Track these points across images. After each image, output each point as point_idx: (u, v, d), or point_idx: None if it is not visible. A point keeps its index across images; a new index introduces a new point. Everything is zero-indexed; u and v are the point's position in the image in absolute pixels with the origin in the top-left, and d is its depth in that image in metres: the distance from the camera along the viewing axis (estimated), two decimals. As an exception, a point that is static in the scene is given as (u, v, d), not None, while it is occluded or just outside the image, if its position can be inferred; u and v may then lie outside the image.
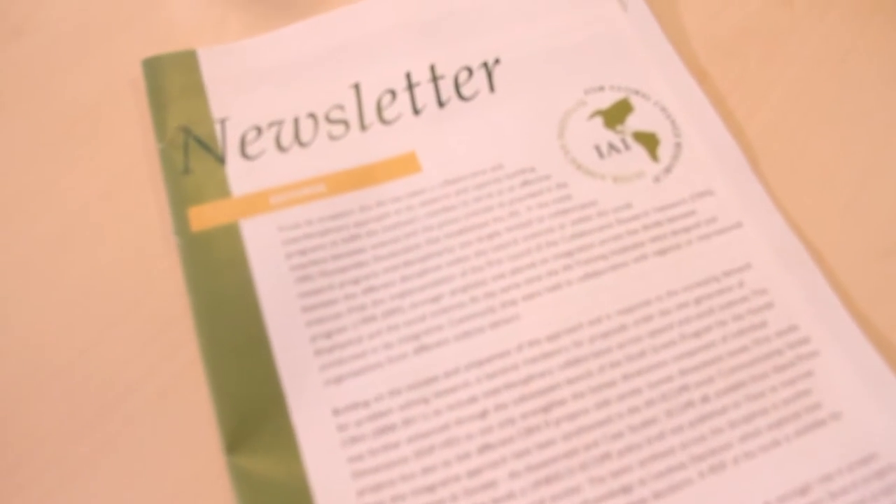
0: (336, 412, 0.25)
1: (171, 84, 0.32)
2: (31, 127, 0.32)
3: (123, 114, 0.32)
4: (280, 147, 0.30)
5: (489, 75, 0.32)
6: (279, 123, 0.31)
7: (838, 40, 0.35)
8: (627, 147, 0.30)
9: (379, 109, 0.31)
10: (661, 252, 0.28)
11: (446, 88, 0.32)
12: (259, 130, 0.31)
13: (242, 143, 0.30)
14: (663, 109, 0.31)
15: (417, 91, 0.31)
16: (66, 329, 0.27)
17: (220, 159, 0.30)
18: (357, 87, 0.32)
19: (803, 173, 0.31)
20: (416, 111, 0.31)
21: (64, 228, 0.29)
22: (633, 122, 0.31)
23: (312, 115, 0.31)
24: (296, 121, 0.31)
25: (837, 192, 0.30)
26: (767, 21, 0.35)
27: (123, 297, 0.28)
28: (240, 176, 0.30)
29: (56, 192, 0.30)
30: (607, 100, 0.31)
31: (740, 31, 0.35)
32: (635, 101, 0.31)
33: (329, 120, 0.31)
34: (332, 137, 0.30)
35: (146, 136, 0.32)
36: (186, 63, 0.32)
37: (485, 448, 0.24)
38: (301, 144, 0.30)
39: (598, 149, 0.30)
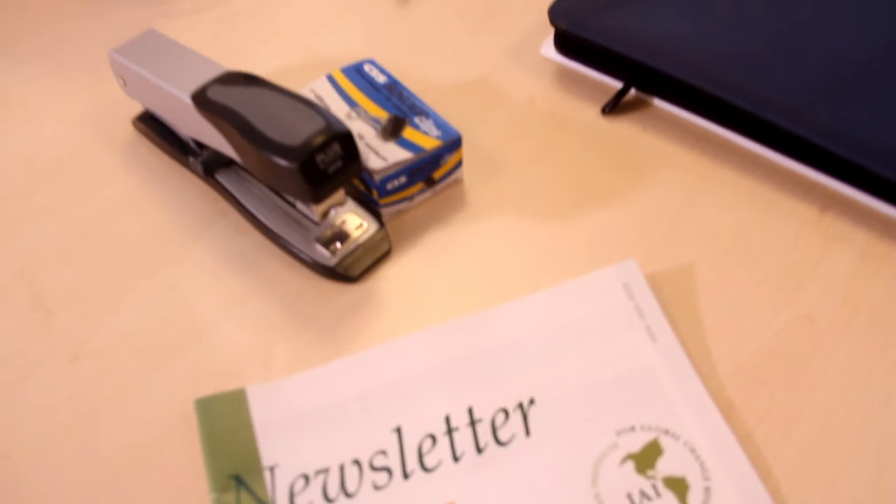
0: None
1: (223, 426, 0.36)
2: (83, 471, 0.36)
3: (175, 453, 0.36)
4: (327, 498, 0.34)
5: (525, 417, 0.36)
6: (325, 471, 0.35)
7: (863, 354, 0.38)
8: (658, 494, 0.34)
9: (420, 456, 0.35)
10: None
11: (484, 433, 0.35)
12: (307, 479, 0.34)
13: (291, 494, 0.34)
14: (692, 450, 0.35)
15: (456, 436, 0.35)
16: None
17: (271, 513, 0.34)
18: (399, 430, 0.36)
19: (833, 519, 0.34)
20: (455, 458, 0.35)
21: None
22: (664, 467, 0.34)
23: (357, 462, 0.35)
24: (341, 468, 0.35)
25: (868, 542, 0.33)
26: (792, 340, 0.39)
27: None
28: (289, 533, 0.33)
29: (115, 546, 0.34)
30: (638, 441, 0.35)
31: (766, 353, 0.39)
32: (665, 442, 0.35)
33: (373, 468, 0.35)
34: (376, 487, 0.34)
35: (198, 478, 0.36)
36: (236, 403, 0.37)
37: None
38: (347, 495, 0.34)
39: (630, 497, 0.34)
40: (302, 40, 0.56)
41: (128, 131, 0.51)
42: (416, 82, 0.52)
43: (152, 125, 0.50)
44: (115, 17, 0.60)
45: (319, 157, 0.37)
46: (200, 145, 0.46)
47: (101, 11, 0.61)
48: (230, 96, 0.40)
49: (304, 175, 0.36)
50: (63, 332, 0.41)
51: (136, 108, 0.52)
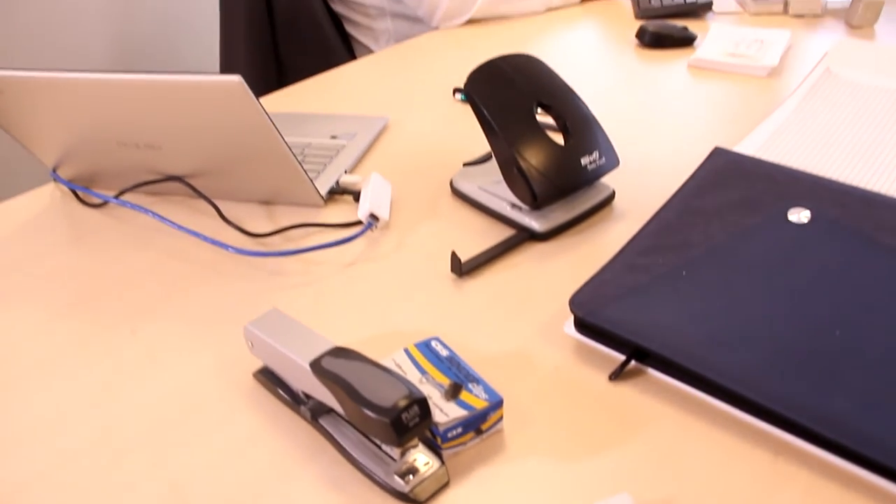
0: None
1: None
2: None
3: None
4: None
5: None
6: None
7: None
8: None
9: None
10: None
11: None
12: None
13: None
14: None
15: None
16: None
17: None
18: None
19: None
20: None
21: None
22: None
23: None
24: None
25: None
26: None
27: None
28: None
29: None
30: None
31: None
32: None
33: None
34: None
35: None
36: None
37: None
38: None
39: None
40: (380, 314, 0.74)
41: (249, 380, 0.68)
42: (468, 351, 0.69)
43: (270, 378, 0.67)
44: (238, 289, 0.79)
45: (404, 416, 0.53)
46: (308, 396, 0.63)
47: (226, 283, 0.80)
48: (338, 366, 0.58)
49: (393, 428, 0.53)
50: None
51: (256, 363, 0.69)
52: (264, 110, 0.77)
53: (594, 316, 0.66)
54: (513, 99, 0.83)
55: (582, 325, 0.68)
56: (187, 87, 0.77)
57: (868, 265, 0.68)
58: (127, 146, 0.89)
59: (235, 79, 0.74)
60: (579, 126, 0.84)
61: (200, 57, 2.40)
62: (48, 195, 1.01)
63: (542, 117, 0.83)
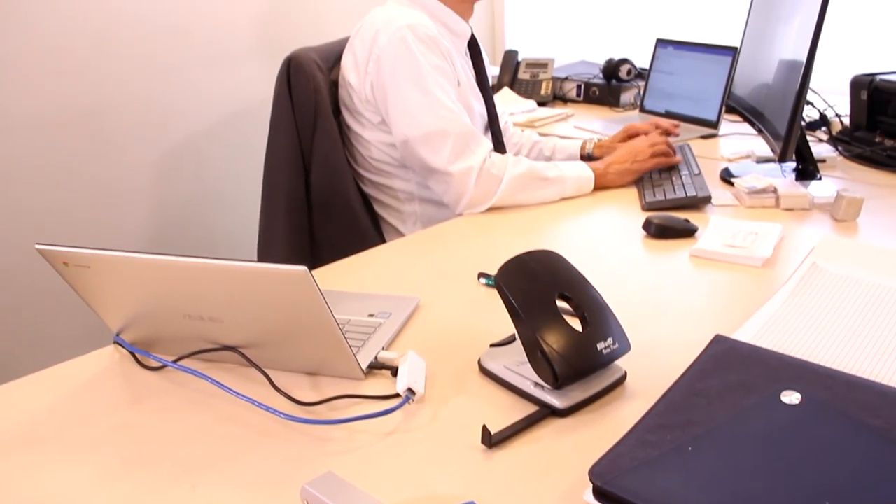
0: None
1: None
2: None
3: None
4: None
5: None
6: None
7: None
8: None
9: None
10: None
11: None
12: None
13: None
14: None
15: None
16: None
17: None
18: None
19: None
20: None
21: None
22: None
23: None
24: None
25: None
26: None
27: None
28: None
29: None
30: None
31: None
32: None
33: None
34: None
35: None
36: None
37: None
38: None
39: None
40: (419, 479, 0.83)
41: (301, 538, 0.76)
42: (498, 514, 0.77)
43: (321, 536, 0.75)
44: (288, 452, 0.88)
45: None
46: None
47: (277, 446, 0.89)
48: (389, 524, 0.66)
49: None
50: None
51: (308, 522, 0.77)
52: (323, 297, 0.89)
53: (611, 485, 0.75)
54: (537, 290, 0.95)
55: (600, 494, 0.76)
56: (258, 273, 0.89)
57: (852, 442, 0.78)
58: (191, 318, 1.00)
59: (301, 269, 0.86)
60: (595, 315, 0.95)
61: (235, 228, 2.56)
62: (108, 357, 1.11)
63: (561, 302, 0.95)
